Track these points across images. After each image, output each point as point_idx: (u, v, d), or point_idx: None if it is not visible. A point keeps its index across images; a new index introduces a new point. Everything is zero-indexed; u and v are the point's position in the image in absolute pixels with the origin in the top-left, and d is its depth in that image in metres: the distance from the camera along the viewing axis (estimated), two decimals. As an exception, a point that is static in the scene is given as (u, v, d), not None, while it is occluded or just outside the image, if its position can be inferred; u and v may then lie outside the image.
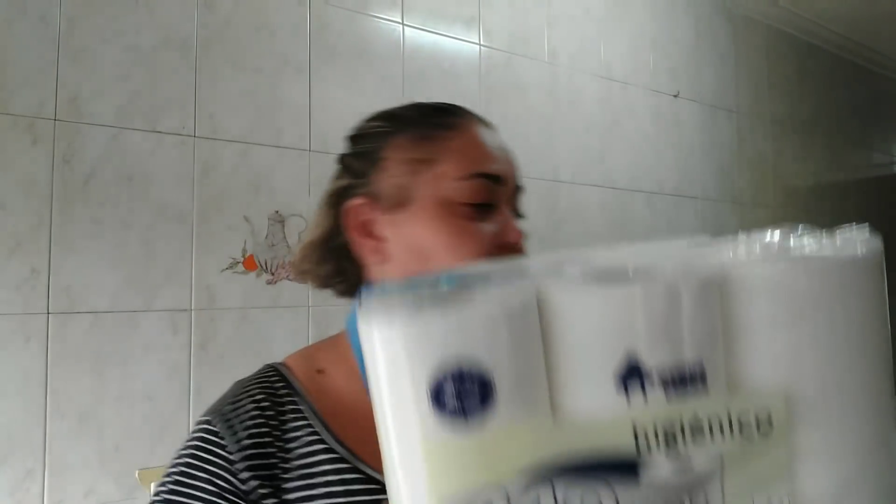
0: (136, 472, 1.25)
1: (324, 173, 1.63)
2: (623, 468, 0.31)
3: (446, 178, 0.56)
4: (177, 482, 0.58)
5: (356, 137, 0.65)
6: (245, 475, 0.53)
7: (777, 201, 2.71)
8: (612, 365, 0.31)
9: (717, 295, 0.32)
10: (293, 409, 0.56)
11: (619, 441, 0.30)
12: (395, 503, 0.31)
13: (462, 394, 0.29)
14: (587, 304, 0.31)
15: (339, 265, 0.61)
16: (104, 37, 1.27)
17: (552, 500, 0.30)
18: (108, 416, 1.23)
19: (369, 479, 0.54)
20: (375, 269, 0.58)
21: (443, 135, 0.59)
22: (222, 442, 0.54)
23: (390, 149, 0.60)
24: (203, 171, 1.36)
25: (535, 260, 0.35)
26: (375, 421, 0.32)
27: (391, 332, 0.30)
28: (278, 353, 1.52)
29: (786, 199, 2.75)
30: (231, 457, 0.54)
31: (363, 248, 0.58)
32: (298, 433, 0.55)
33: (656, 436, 0.31)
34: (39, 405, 1.17)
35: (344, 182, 0.62)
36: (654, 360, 0.31)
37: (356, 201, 0.58)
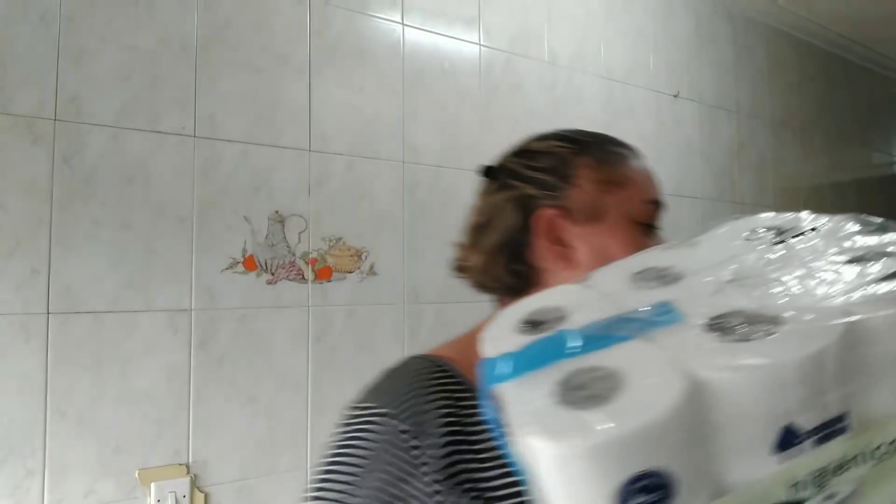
0: (136, 472, 1.25)
1: (324, 173, 1.64)
2: None
3: (634, 200, 0.66)
4: (351, 481, 0.53)
5: (535, 154, 0.69)
6: (438, 486, 0.50)
7: (777, 201, 2.71)
8: (769, 438, 0.31)
9: (853, 344, 0.33)
10: (471, 404, 0.55)
11: (777, 497, 0.31)
12: None
13: (646, 502, 0.29)
14: (739, 382, 0.31)
15: (513, 266, 0.66)
16: (104, 37, 1.27)
17: None
18: (108, 416, 1.23)
19: None
20: (558, 273, 0.64)
21: (625, 162, 0.69)
22: (415, 443, 0.52)
23: (579, 168, 0.66)
24: (203, 171, 1.36)
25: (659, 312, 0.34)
26: None
27: (561, 451, 0.29)
28: (278, 353, 1.52)
29: (786, 199, 2.75)
30: (424, 461, 0.51)
31: (549, 253, 0.64)
32: (480, 426, 0.54)
33: (809, 483, 0.31)
34: (39, 405, 1.17)
35: (530, 191, 0.66)
36: (808, 424, 0.31)
37: (549, 211, 0.64)
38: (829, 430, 0.31)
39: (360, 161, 1.57)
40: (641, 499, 0.28)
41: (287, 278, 1.45)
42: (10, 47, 1.18)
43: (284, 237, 1.45)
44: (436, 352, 0.64)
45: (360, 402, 0.57)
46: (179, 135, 1.34)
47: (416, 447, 0.51)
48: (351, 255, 1.55)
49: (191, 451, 1.32)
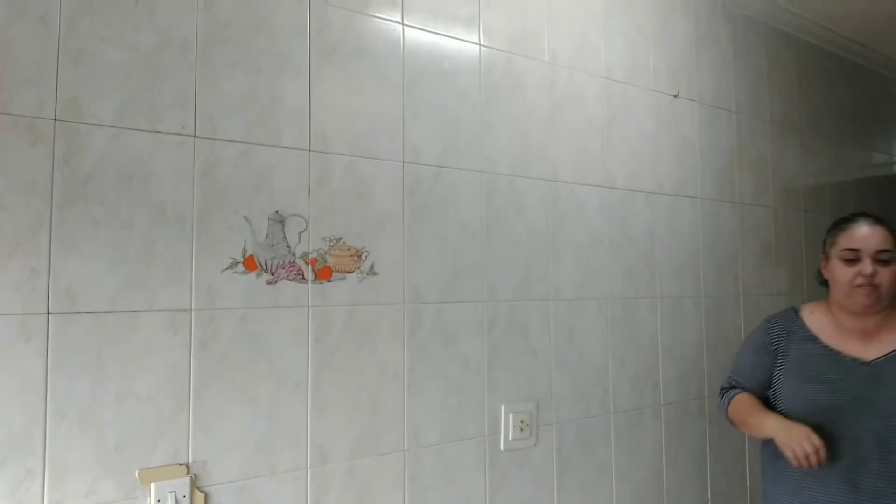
0: (136, 472, 1.25)
1: (324, 173, 1.64)
2: None
3: (836, 248, 1.68)
4: (746, 341, 1.90)
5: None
6: (774, 343, 1.75)
7: (777, 201, 2.71)
8: None
9: None
10: (800, 325, 1.74)
11: None
12: None
13: None
14: None
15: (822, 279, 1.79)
16: (104, 37, 1.27)
17: None
18: (108, 416, 1.23)
19: (838, 355, 1.66)
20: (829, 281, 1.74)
21: (840, 229, 1.70)
22: (767, 325, 1.81)
23: (830, 237, 1.73)
24: (203, 171, 1.36)
25: None
26: None
27: None
28: (278, 353, 1.52)
29: (786, 199, 2.75)
30: (770, 334, 1.78)
31: (825, 273, 1.75)
32: (798, 332, 1.73)
33: None
34: (39, 405, 1.18)
35: (824, 248, 1.76)
36: None
37: (823, 257, 1.76)
38: None
39: (360, 161, 1.57)
40: None
41: (287, 278, 1.45)
42: (10, 47, 1.18)
43: (284, 237, 1.45)
44: (803, 306, 1.87)
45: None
46: (179, 135, 1.34)
47: (768, 329, 1.86)
48: (351, 255, 1.55)
49: (191, 451, 1.32)
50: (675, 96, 2.30)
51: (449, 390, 1.69)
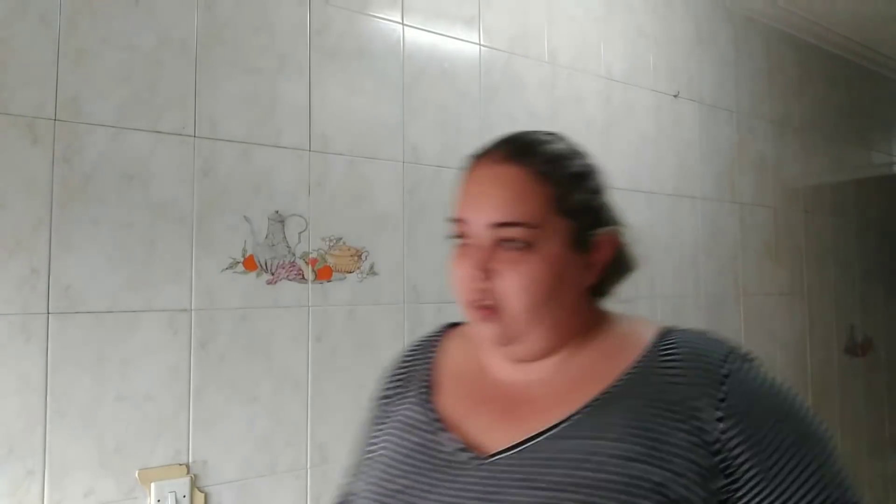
0: (136, 472, 1.25)
1: (324, 173, 1.64)
2: None
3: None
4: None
5: None
6: (387, 394, 0.86)
7: (777, 201, 2.71)
8: None
9: None
10: (428, 362, 0.85)
11: None
12: None
13: None
14: None
15: None
16: (104, 37, 1.27)
17: None
18: (108, 416, 1.23)
19: (439, 441, 0.74)
20: None
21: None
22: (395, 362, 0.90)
23: None
24: (203, 171, 1.36)
25: None
26: None
27: None
28: (278, 353, 1.52)
29: (786, 199, 2.75)
30: (386, 380, 0.88)
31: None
32: (419, 377, 0.83)
33: None
34: (39, 405, 1.17)
35: None
36: None
37: None
38: None
39: (360, 161, 1.57)
40: None
41: (287, 278, 1.45)
42: (10, 47, 1.18)
43: (284, 237, 1.45)
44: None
45: None
46: (179, 135, 1.34)
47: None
48: (351, 255, 1.55)
49: (191, 451, 1.32)
50: (675, 96, 2.30)
51: (449, 390, 1.68)
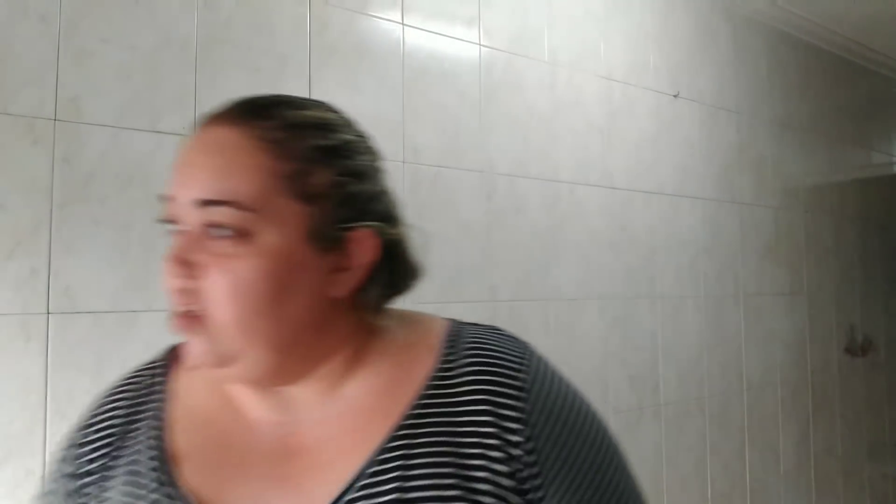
0: (136, 472, 1.25)
1: (324, 173, 1.62)
2: None
3: None
4: None
5: None
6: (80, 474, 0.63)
7: (777, 201, 2.71)
8: None
9: None
10: (155, 410, 0.66)
11: None
12: None
13: None
14: None
15: None
16: (104, 37, 1.27)
17: None
18: (108, 416, 1.23)
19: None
20: None
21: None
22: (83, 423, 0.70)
23: None
24: (203, 171, 1.36)
25: None
26: None
27: None
28: (278, 353, 1.50)
29: (786, 199, 2.75)
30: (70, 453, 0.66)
31: None
32: (145, 430, 0.64)
33: None
34: (40, 406, 1.17)
35: None
36: None
37: None
38: None
39: (360, 161, 1.57)
40: None
41: (287, 278, 1.45)
42: (10, 47, 1.18)
43: (284, 237, 1.45)
44: None
45: None
46: (179, 135, 1.34)
47: None
48: (351, 255, 1.54)
49: (191, 451, 1.31)
50: (675, 96, 2.30)
51: (449, 390, 1.68)
